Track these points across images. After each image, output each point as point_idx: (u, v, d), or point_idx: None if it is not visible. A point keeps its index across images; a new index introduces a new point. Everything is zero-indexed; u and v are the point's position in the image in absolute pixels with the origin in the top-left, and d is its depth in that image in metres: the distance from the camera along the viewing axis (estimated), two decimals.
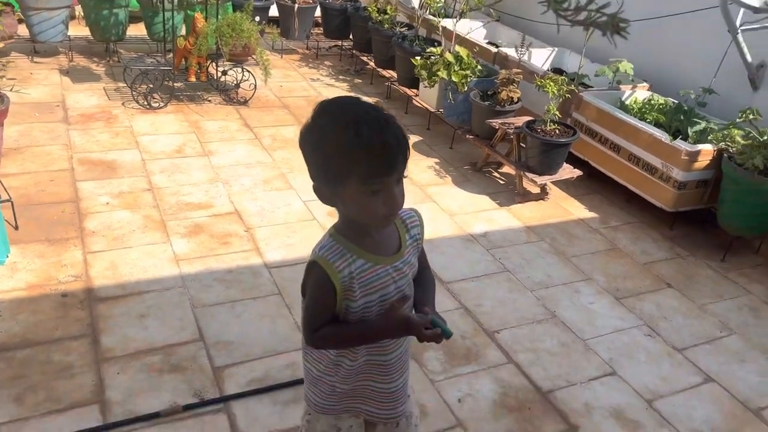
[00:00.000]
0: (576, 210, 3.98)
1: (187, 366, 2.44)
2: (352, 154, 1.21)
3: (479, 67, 4.52)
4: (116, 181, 3.66)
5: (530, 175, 3.87)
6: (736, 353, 2.85)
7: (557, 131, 3.84)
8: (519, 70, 4.21)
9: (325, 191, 1.30)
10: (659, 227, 3.86)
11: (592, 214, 3.94)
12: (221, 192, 3.69)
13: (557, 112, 3.80)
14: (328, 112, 1.27)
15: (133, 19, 5.82)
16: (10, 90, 3.71)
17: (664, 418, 2.44)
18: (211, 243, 3.21)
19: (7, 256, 2.91)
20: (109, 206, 3.41)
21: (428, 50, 4.66)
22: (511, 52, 4.61)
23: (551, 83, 3.81)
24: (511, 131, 3.95)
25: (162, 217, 3.38)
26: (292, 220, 3.49)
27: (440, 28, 5.00)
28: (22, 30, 5.52)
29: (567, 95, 3.90)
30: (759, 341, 2.94)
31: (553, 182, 4.09)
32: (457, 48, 4.59)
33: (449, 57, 4.45)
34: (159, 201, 3.52)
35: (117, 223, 3.28)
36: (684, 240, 3.76)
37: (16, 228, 3.11)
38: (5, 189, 3.25)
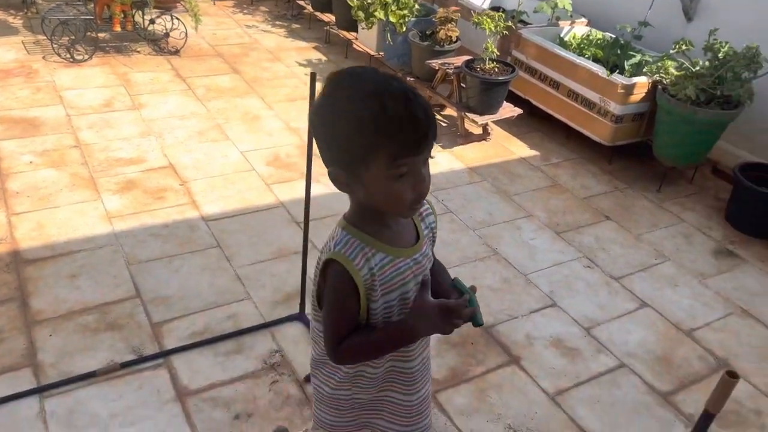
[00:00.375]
0: (518, 149, 3.99)
1: (123, 324, 2.37)
2: (378, 131, 1.07)
3: (417, 6, 4.41)
4: (39, 139, 3.47)
5: (471, 116, 3.85)
6: (670, 278, 2.95)
7: (496, 69, 3.80)
8: (457, 8, 4.13)
9: (343, 176, 1.14)
10: (598, 162, 3.91)
11: (533, 152, 3.96)
12: (154, 146, 3.54)
13: (496, 50, 3.76)
14: (344, 85, 1.13)
15: None
16: None
17: (601, 344, 2.52)
18: (144, 198, 3.09)
19: None
20: (32, 165, 3.24)
21: None
22: None
23: (488, 20, 3.75)
24: (451, 71, 3.89)
25: (91, 174, 3.23)
26: (228, 171, 3.40)
27: None
28: None
29: (505, 32, 3.86)
30: (691, 266, 3.04)
31: (494, 122, 4.08)
32: None
33: None
34: (87, 158, 3.36)
35: (42, 182, 3.12)
36: (622, 173, 3.83)
37: None
38: None
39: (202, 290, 2.57)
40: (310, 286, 2.57)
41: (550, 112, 4.03)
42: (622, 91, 3.54)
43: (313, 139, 1.18)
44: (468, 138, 3.98)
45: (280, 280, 2.67)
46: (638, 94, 3.59)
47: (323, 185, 3.36)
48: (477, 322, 1.20)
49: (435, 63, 4.00)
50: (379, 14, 4.29)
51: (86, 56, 4.45)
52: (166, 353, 2.26)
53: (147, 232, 2.87)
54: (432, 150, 1.14)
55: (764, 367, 2.48)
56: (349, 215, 1.22)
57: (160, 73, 4.43)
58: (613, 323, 2.64)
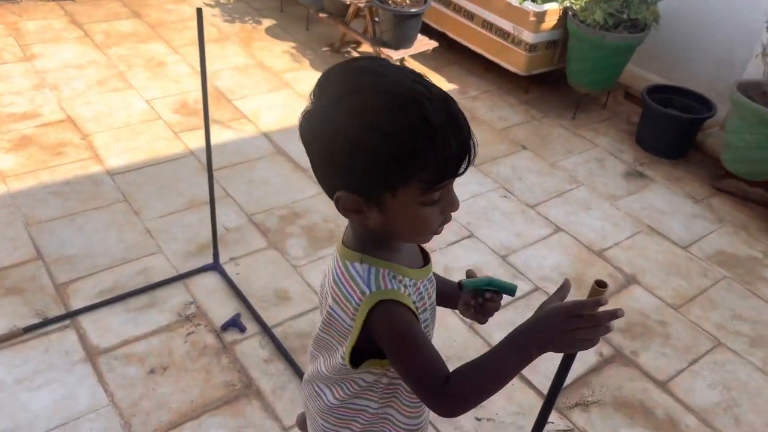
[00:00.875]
0: (435, 83, 3.94)
1: (25, 287, 2.26)
2: (417, 150, 0.85)
3: None
4: None
5: (386, 51, 3.76)
6: (583, 202, 3.03)
7: (408, 1, 3.71)
8: None
9: (358, 203, 0.92)
10: (515, 93, 3.92)
11: (451, 86, 3.93)
12: (49, 98, 3.31)
13: None
14: (360, 86, 0.87)
15: None
16: None
17: (517, 270, 2.58)
18: (42, 155, 2.91)
19: None
20: None
21: None
22: None
23: None
24: (363, 5, 3.77)
25: None
26: (133, 121, 3.22)
27: None
28: None
29: None
30: (604, 189, 3.13)
31: (411, 56, 4.01)
32: None
33: None
34: None
35: None
36: (538, 102, 3.86)
37: None
38: None
39: (110, 247, 2.47)
40: (219, 234, 2.53)
41: (467, 44, 3.98)
42: (533, 18, 3.52)
43: (311, 154, 0.94)
44: None
45: (193, 231, 2.58)
46: (550, 21, 3.58)
47: (233, 131, 3.26)
48: (511, 289, 1.12)
49: None
50: None
51: None
52: (73, 314, 2.17)
53: (46, 190, 2.71)
54: None
55: (670, 281, 2.60)
56: (357, 245, 1.00)
57: (53, 20, 4.11)
58: (529, 249, 2.70)
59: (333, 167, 0.90)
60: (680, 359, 2.25)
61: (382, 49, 3.79)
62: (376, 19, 3.84)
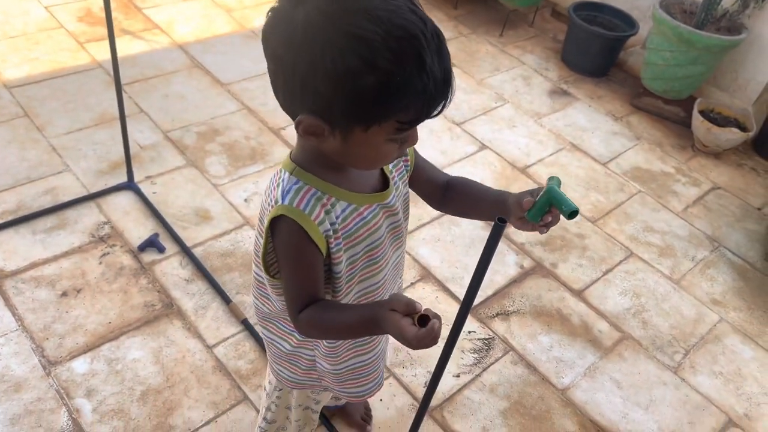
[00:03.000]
0: None
1: None
2: (408, 96, 0.78)
3: None
4: None
5: None
6: (509, 120, 3.04)
7: None
8: None
9: (322, 129, 0.84)
10: (444, 8, 3.83)
11: None
12: None
13: None
14: (358, 7, 0.76)
15: None
16: None
17: None
18: None
19: None
20: None
21: None
22: None
23: None
24: None
25: None
26: (31, 30, 2.94)
27: None
28: None
29: None
30: (529, 107, 3.15)
31: None
32: None
33: None
34: None
35: None
36: (467, 18, 3.78)
37: None
38: None
39: (11, 165, 2.29)
40: (134, 151, 2.39)
41: None
42: None
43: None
44: None
45: (104, 149, 2.43)
46: None
47: (145, 42, 3.04)
48: (569, 209, 0.94)
49: None
50: None
51: None
52: None
53: None
54: None
55: (589, 195, 2.68)
56: (299, 156, 0.95)
57: None
58: (455, 166, 2.70)
59: (306, 89, 0.81)
60: (595, 269, 2.35)
61: None
62: None
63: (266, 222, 0.95)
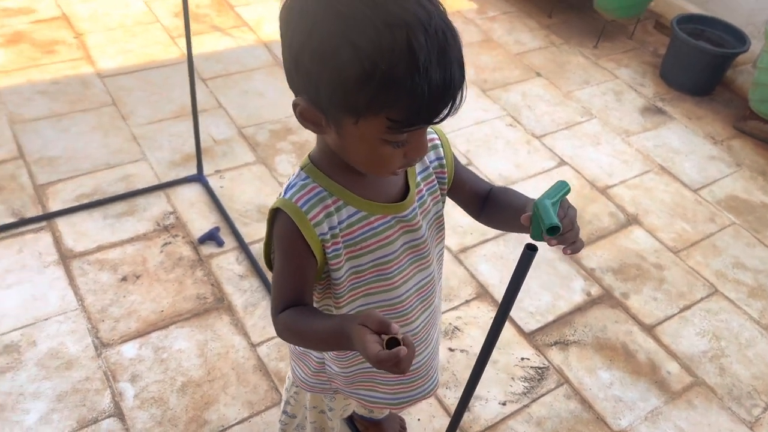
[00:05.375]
0: (454, 1, 3.72)
1: (4, 185, 2.22)
2: (390, 84, 0.72)
3: None
4: None
5: None
6: (594, 137, 2.86)
7: None
8: None
9: (315, 116, 0.81)
10: (537, 16, 3.68)
11: (470, 5, 3.70)
12: None
13: None
14: None
15: None
16: None
17: None
18: (32, 52, 2.81)
19: None
20: None
21: None
22: None
23: None
24: None
25: None
26: (129, 23, 3.09)
27: None
28: None
29: None
30: (617, 124, 2.95)
31: None
32: None
33: None
34: None
35: None
36: (560, 28, 3.62)
37: None
38: None
39: (93, 151, 2.40)
40: (207, 145, 2.45)
41: None
42: None
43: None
44: None
45: (180, 140, 2.50)
46: None
47: (232, 38, 3.12)
48: (547, 223, 0.80)
49: None
50: None
51: None
52: (50, 215, 2.13)
53: (34, 89, 2.63)
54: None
55: (673, 223, 2.48)
56: (316, 153, 0.92)
57: None
58: (528, 181, 2.58)
59: (298, 69, 0.78)
60: (672, 305, 2.16)
61: None
62: None
63: (269, 215, 0.93)
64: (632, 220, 2.47)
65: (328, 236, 0.90)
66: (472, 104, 2.94)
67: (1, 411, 1.62)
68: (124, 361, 1.78)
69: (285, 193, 0.91)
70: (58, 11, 3.08)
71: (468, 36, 3.42)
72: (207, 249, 2.11)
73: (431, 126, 0.81)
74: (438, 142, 1.01)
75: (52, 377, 1.71)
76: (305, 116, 0.82)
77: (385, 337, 0.75)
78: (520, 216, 0.87)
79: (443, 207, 1.05)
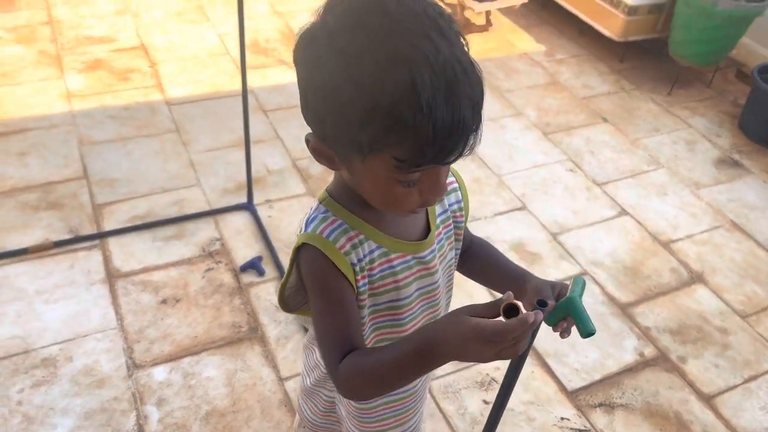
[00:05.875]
0: (522, 43, 3.67)
1: (65, 203, 2.32)
2: (394, 122, 0.68)
3: None
4: (12, 15, 3.34)
5: (468, 2, 3.52)
6: (660, 187, 2.71)
7: None
8: None
9: (325, 151, 0.79)
10: (608, 60, 3.58)
11: (538, 47, 3.64)
12: (128, 24, 3.37)
13: None
14: (356, 20, 0.69)
15: None
16: None
17: (566, 251, 2.36)
18: (109, 79, 2.97)
19: None
20: (1, 41, 3.13)
21: None
22: None
23: None
24: None
25: (58, 51, 3.10)
26: (202, 54, 3.22)
27: None
28: None
29: None
30: (687, 175, 2.79)
31: (498, 10, 3.75)
32: None
33: None
34: (57, 35, 3.22)
35: (8, 58, 3.01)
36: (632, 73, 3.49)
37: None
38: None
39: (152, 174, 2.48)
40: (260, 175, 2.48)
41: (561, 2, 3.66)
42: None
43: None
44: (468, 28, 3.68)
45: (235, 169, 2.55)
46: None
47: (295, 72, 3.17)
48: (586, 330, 0.80)
49: None
50: None
51: None
52: (103, 234, 2.20)
53: (106, 113, 2.76)
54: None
55: (743, 284, 2.29)
56: (334, 187, 0.88)
57: None
58: (585, 230, 2.46)
59: (307, 106, 0.77)
60: (735, 374, 1.98)
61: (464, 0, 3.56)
62: None
63: (293, 253, 0.87)
64: (696, 278, 2.30)
65: (357, 267, 0.85)
66: (531, 147, 2.86)
67: (29, 423, 1.66)
68: (153, 383, 1.78)
69: (306, 227, 0.86)
70: (137, 41, 3.25)
71: (534, 78, 3.36)
72: (248, 277, 2.12)
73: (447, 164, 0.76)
74: (456, 185, 0.97)
75: (83, 394, 1.74)
76: (317, 152, 0.80)
77: (502, 307, 0.70)
78: (506, 281, 0.95)
79: (456, 254, 0.99)
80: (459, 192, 0.97)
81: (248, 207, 2.36)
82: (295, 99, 2.80)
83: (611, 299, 2.18)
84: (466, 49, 0.73)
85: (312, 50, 0.73)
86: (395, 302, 0.92)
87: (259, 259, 2.15)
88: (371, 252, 0.86)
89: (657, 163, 2.85)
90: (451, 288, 1.02)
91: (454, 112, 0.69)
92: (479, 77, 0.72)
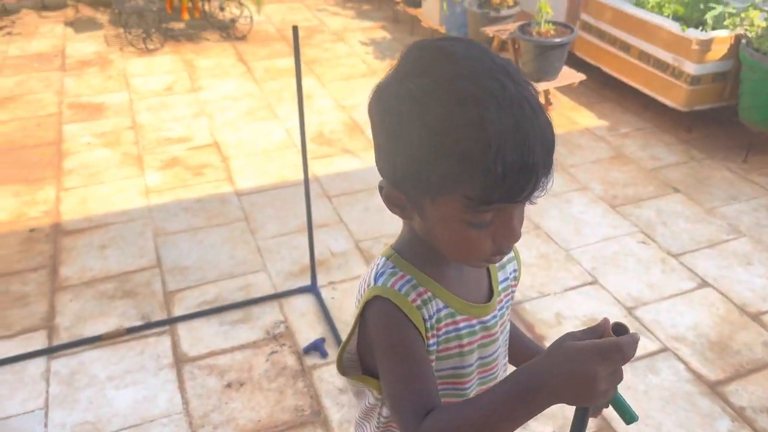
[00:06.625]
0: (584, 119, 3.66)
1: (139, 291, 2.41)
2: (462, 159, 0.69)
3: None
4: (101, 122, 3.65)
5: None
6: (743, 256, 2.55)
7: (552, 32, 3.50)
8: None
9: (398, 198, 0.79)
10: (675, 131, 3.50)
11: (601, 122, 3.62)
12: (203, 125, 3.61)
13: (550, 10, 3.45)
14: (426, 68, 0.72)
15: None
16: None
17: (643, 326, 2.22)
18: (184, 174, 3.15)
19: None
20: (89, 146, 3.41)
21: None
22: None
23: None
24: (505, 37, 3.64)
25: (140, 152, 3.34)
26: (271, 148, 3.38)
27: None
28: None
29: None
30: None
31: (559, 91, 3.78)
32: None
33: None
34: (140, 137, 3.48)
35: (95, 161, 3.27)
36: (702, 142, 3.39)
37: None
38: None
39: (221, 261, 2.56)
40: (324, 257, 2.50)
41: (621, 77, 3.66)
42: (696, 47, 3.13)
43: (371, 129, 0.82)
44: None
45: (300, 253, 2.59)
46: (718, 50, 3.16)
47: (360, 160, 3.28)
48: (631, 418, 0.76)
49: (490, 30, 3.76)
50: None
51: (159, 45, 4.64)
52: (173, 320, 2.26)
53: (180, 206, 2.91)
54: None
55: None
56: (400, 244, 0.86)
57: (224, 59, 4.52)
58: (663, 303, 2.32)
59: (380, 151, 0.79)
60: None
61: None
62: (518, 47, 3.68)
63: (359, 308, 0.83)
64: None
65: (428, 324, 0.81)
66: (599, 220, 2.78)
67: None
68: None
69: (375, 281, 0.82)
70: (211, 139, 3.46)
71: (597, 153, 3.31)
72: (311, 360, 2.10)
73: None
74: (512, 254, 0.94)
75: None
76: (390, 199, 0.80)
77: (608, 324, 0.74)
78: (522, 352, 0.96)
79: (509, 327, 0.95)
80: (516, 261, 0.95)
81: (312, 289, 2.38)
82: (358, 185, 2.88)
83: (698, 377, 2.01)
84: (534, 92, 0.73)
85: (383, 97, 0.77)
86: (458, 369, 0.86)
87: (322, 340, 2.14)
88: (438, 311, 0.83)
89: (737, 232, 2.69)
90: (506, 364, 0.95)
91: (522, 148, 0.69)
92: (548, 119, 0.73)
